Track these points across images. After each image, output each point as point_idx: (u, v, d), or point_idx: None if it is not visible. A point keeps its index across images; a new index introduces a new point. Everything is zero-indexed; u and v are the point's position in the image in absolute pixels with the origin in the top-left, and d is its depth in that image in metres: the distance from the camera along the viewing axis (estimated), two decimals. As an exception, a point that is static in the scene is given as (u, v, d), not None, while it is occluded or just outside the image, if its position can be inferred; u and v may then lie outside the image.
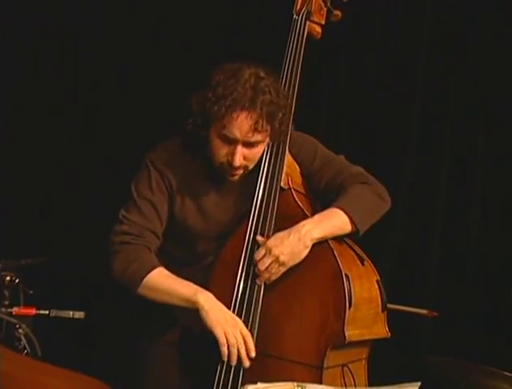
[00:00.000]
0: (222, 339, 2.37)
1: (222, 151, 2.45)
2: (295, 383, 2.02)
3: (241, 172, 2.49)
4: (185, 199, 2.57)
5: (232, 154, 2.43)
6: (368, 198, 2.52)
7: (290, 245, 2.38)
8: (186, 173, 2.57)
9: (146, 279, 2.45)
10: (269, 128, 2.42)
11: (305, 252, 2.39)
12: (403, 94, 3.58)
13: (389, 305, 2.54)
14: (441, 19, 3.53)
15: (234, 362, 2.39)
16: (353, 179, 2.54)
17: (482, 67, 3.48)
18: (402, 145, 3.58)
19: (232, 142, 2.42)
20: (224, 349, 2.37)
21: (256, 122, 2.39)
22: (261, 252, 2.42)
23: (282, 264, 2.39)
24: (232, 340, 2.37)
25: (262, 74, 2.44)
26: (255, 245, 2.46)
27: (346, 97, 3.65)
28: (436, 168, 3.54)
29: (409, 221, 3.56)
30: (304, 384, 2.02)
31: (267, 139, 2.48)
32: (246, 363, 2.39)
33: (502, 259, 3.42)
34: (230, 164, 2.45)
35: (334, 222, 2.43)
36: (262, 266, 2.40)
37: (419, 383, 1.97)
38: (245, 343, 2.39)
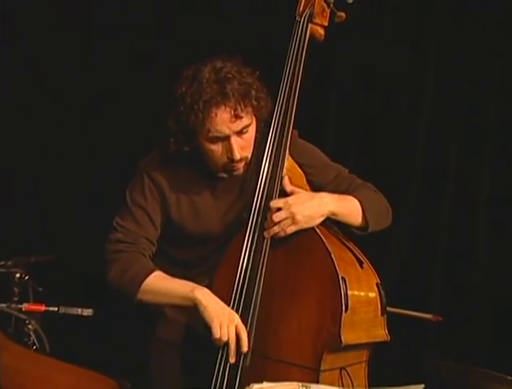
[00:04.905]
0: (217, 334, 2.36)
1: (219, 152, 2.48)
2: (300, 383, 2.02)
3: (242, 163, 2.52)
4: (181, 204, 2.59)
5: (230, 149, 2.46)
6: (380, 203, 2.58)
7: (310, 208, 2.40)
8: (180, 178, 2.59)
9: (143, 284, 2.46)
10: (250, 109, 2.46)
11: (320, 220, 2.41)
12: (409, 109, 3.58)
13: (394, 310, 2.54)
14: (451, 22, 3.53)
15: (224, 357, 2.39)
16: (366, 186, 2.60)
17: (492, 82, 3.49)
18: (409, 150, 3.59)
19: (225, 138, 2.46)
20: (218, 343, 2.37)
21: (235, 109, 2.42)
22: (279, 203, 2.42)
23: (295, 223, 2.39)
24: (224, 336, 2.36)
25: (219, 64, 2.47)
26: (256, 241, 2.44)
27: (352, 107, 3.65)
28: (443, 174, 3.55)
29: (416, 226, 3.58)
30: (308, 384, 2.03)
31: (254, 120, 2.51)
32: (232, 359, 2.37)
33: (507, 264, 3.43)
34: (231, 159, 2.48)
35: (350, 206, 2.48)
36: (276, 218, 2.40)
37: (423, 385, 1.98)
38: (239, 338, 2.37)
